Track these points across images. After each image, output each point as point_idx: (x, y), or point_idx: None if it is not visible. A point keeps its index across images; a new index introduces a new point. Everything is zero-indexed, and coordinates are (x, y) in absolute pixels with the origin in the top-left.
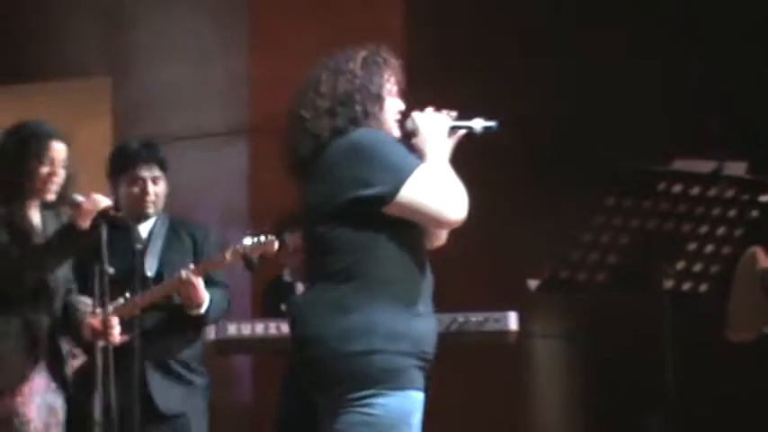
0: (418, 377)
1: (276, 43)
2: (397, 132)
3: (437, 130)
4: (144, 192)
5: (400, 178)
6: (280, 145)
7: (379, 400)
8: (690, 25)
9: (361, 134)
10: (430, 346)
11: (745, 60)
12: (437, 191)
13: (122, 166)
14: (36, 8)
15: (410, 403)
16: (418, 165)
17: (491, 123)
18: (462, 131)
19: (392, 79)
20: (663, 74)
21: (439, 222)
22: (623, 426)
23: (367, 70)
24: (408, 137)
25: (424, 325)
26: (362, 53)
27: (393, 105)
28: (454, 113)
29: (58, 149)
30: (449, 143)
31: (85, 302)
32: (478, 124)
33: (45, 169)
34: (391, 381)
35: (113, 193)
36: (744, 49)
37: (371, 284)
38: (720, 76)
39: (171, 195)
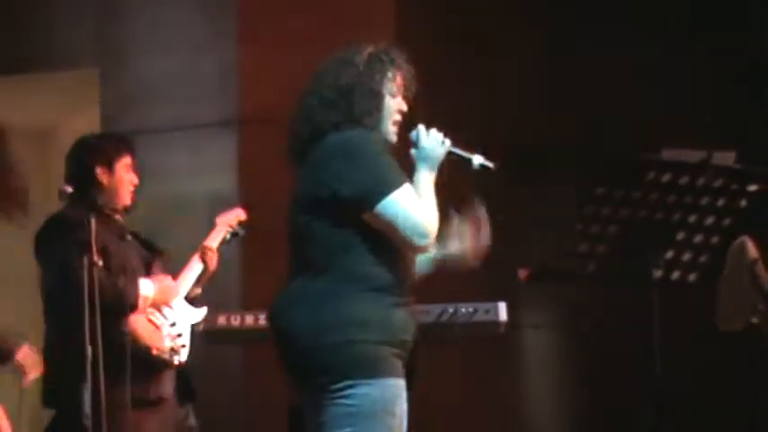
0: (397, 365)
1: (265, 35)
2: (393, 133)
3: (436, 150)
4: (135, 181)
5: (381, 190)
6: (279, 131)
7: (359, 390)
8: (685, 18)
9: (354, 135)
10: (408, 334)
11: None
12: (413, 214)
13: (118, 152)
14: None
15: (390, 392)
16: (402, 182)
17: (489, 164)
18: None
19: (397, 79)
20: (656, 66)
21: (406, 244)
22: (613, 416)
23: (370, 66)
24: (410, 144)
25: (400, 314)
26: (370, 49)
27: (393, 105)
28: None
29: None
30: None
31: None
32: (477, 160)
33: None
34: (369, 370)
35: (98, 181)
36: (737, 39)
37: (348, 276)
38: (713, 69)
39: (160, 186)
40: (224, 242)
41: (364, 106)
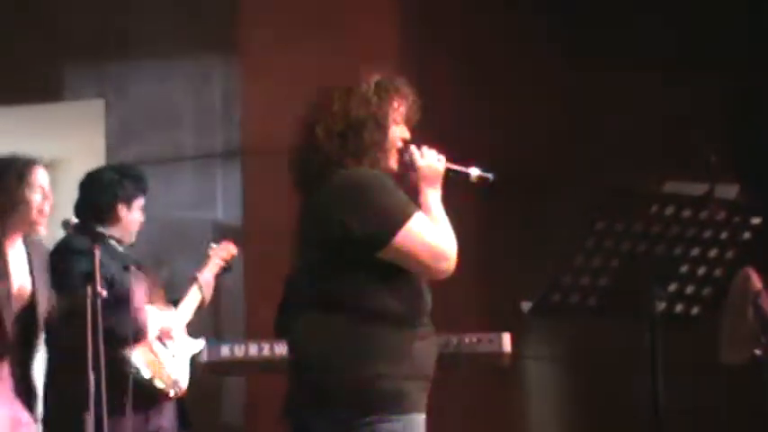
0: (421, 400)
1: (269, 65)
2: (394, 163)
3: (434, 167)
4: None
5: (394, 225)
6: (282, 161)
7: (385, 426)
8: (689, 46)
9: (362, 173)
10: (431, 368)
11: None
12: (429, 242)
13: (137, 189)
14: (35, 29)
15: (413, 427)
16: (413, 212)
17: (488, 174)
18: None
19: (401, 108)
20: (661, 95)
21: (429, 272)
22: None
23: (378, 96)
24: (406, 168)
25: (425, 347)
26: (376, 77)
27: (397, 133)
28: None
29: (43, 176)
30: (439, 181)
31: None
32: (474, 172)
33: (36, 196)
34: (396, 405)
35: (116, 216)
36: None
37: (369, 312)
38: (716, 100)
39: (163, 216)
40: (217, 275)
41: (376, 138)
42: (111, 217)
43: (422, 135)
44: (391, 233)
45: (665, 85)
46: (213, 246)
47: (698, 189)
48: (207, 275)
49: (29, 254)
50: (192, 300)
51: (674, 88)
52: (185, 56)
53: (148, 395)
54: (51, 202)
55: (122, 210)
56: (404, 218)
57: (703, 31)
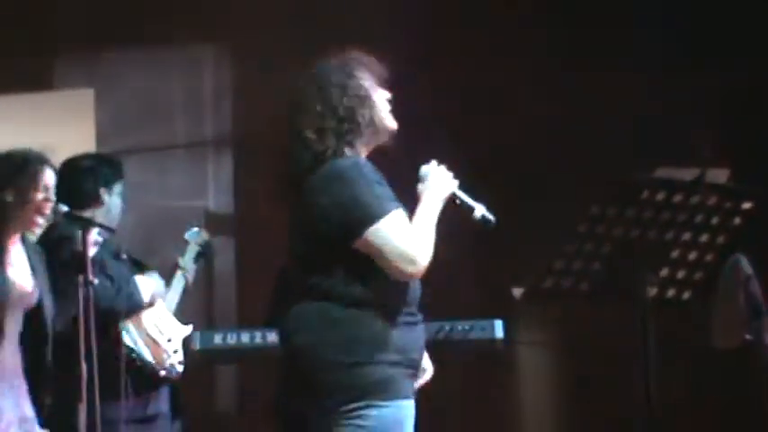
0: (408, 386)
1: (260, 53)
2: (393, 121)
3: (441, 188)
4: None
5: (369, 219)
6: (276, 155)
7: (373, 412)
8: (688, 38)
9: (346, 164)
10: (417, 353)
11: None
12: (399, 242)
13: (116, 174)
14: (24, 18)
15: (403, 413)
16: (390, 210)
17: (491, 217)
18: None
19: (371, 75)
20: (660, 85)
21: (394, 272)
22: None
23: (354, 79)
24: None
25: (410, 333)
26: (341, 63)
27: (381, 98)
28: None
29: (51, 176)
30: (441, 201)
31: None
32: (479, 211)
33: (40, 195)
34: (383, 391)
35: (100, 201)
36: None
37: (357, 300)
38: (709, 87)
39: (154, 205)
40: (196, 260)
41: (366, 116)
42: (94, 202)
43: (421, 130)
44: (364, 227)
45: (665, 82)
46: (189, 231)
47: (689, 174)
48: (185, 262)
49: (28, 252)
50: (178, 286)
51: (673, 86)
52: (175, 45)
53: (148, 378)
54: (51, 204)
55: (105, 194)
56: (378, 214)
57: (703, 28)
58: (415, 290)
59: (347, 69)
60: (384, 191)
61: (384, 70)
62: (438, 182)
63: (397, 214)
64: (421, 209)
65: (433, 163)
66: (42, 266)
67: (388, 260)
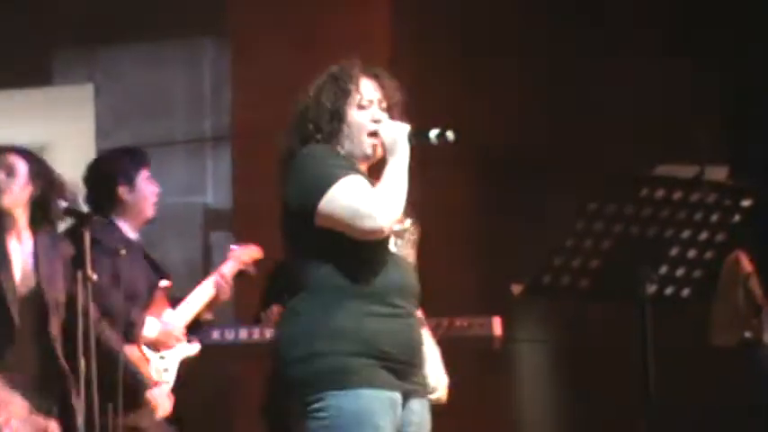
0: (377, 376)
1: (259, 50)
2: (368, 144)
3: (395, 136)
4: (156, 191)
5: (319, 189)
6: (272, 146)
7: (330, 402)
8: (685, 29)
9: (305, 149)
10: (390, 345)
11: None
12: (349, 203)
13: (140, 161)
14: (23, 13)
15: (366, 402)
16: (341, 176)
17: (448, 133)
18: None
19: (361, 91)
20: (658, 77)
21: (355, 232)
22: (607, 431)
23: (324, 87)
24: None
25: (383, 325)
26: (333, 69)
27: (362, 117)
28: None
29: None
30: (406, 149)
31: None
32: (433, 132)
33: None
34: (338, 381)
35: (123, 198)
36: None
37: (323, 289)
38: (709, 83)
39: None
40: (234, 276)
41: (321, 126)
42: (115, 203)
43: (420, 123)
44: (317, 199)
45: (665, 73)
46: (234, 248)
47: (688, 171)
48: (225, 273)
49: (36, 245)
50: (203, 294)
51: (673, 76)
52: (175, 40)
53: (133, 392)
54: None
55: (125, 193)
56: (328, 183)
57: (703, 18)
58: (396, 281)
59: (331, 77)
60: (336, 162)
61: (394, 91)
62: (389, 136)
63: (350, 179)
64: (386, 170)
65: (383, 123)
66: (60, 261)
67: (345, 222)
